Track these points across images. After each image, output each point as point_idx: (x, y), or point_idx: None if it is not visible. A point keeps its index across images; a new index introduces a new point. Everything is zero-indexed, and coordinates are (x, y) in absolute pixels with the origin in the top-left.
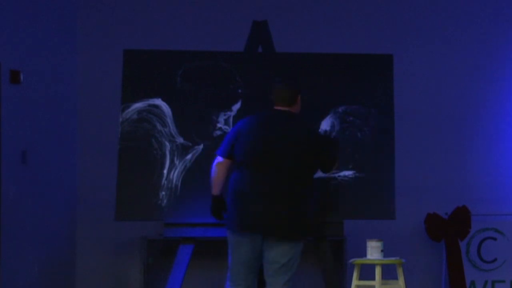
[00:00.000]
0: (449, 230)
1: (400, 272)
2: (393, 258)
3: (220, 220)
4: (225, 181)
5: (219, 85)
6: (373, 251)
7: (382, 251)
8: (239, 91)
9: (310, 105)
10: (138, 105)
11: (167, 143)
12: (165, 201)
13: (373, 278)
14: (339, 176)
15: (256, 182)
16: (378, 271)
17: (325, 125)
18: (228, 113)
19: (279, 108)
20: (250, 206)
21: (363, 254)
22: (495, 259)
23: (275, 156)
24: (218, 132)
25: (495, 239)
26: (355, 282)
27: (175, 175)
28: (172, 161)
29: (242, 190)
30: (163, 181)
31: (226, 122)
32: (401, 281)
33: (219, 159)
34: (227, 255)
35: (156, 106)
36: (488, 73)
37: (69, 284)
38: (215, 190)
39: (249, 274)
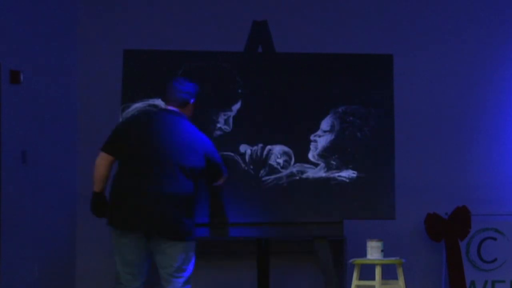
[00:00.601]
0: (449, 230)
1: (400, 272)
2: (393, 258)
3: (99, 217)
4: (108, 177)
5: (219, 85)
6: (373, 251)
7: (382, 251)
8: (239, 91)
9: (310, 105)
10: (138, 105)
11: None
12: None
13: (373, 278)
14: (339, 176)
15: (138, 180)
16: (378, 271)
17: (325, 125)
18: (228, 113)
19: (169, 107)
20: (133, 203)
21: (363, 254)
22: (495, 259)
23: (159, 155)
24: (218, 132)
25: (495, 239)
26: (355, 282)
27: None
28: None
29: (126, 187)
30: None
31: (226, 122)
32: (401, 281)
33: (102, 154)
34: (227, 255)
35: (156, 106)
36: (488, 73)
37: (69, 284)
38: (97, 187)
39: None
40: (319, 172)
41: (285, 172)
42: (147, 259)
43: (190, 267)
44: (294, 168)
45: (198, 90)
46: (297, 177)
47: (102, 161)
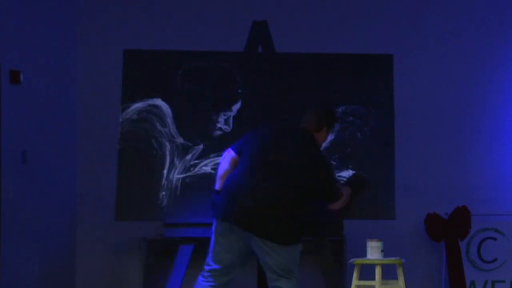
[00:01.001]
0: (449, 230)
1: (400, 272)
2: (393, 258)
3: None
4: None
5: (219, 85)
6: (373, 251)
7: (382, 251)
8: (239, 91)
9: (310, 105)
10: (138, 105)
11: (167, 143)
12: (165, 201)
13: (373, 278)
14: (339, 176)
15: (252, 182)
16: (378, 271)
17: None
18: (228, 113)
19: (305, 126)
20: (241, 202)
21: (363, 254)
22: (495, 259)
23: (276, 162)
24: (218, 132)
25: (495, 239)
26: (355, 282)
27: (175, 175)
28: (172, 161)
29: (237, 185)
30: (163, 181)
31: (226, 122)
32: (401, 281)
33: (230, 152)
34: None
35: (156, 106)
36: (488, 73)
37: (69, 284)
38: (219, 184)
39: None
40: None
41: None
42: (240, 260)
43: (295, 269)
44: None
45: (335, 120)
46: None
47: (228, 157)
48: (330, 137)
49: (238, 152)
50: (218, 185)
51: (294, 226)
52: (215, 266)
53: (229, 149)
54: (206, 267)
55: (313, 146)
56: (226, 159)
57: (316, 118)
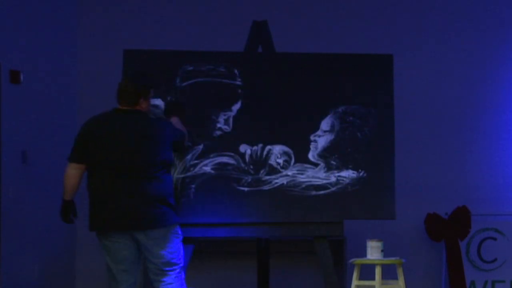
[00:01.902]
0: (449, 230)
1: (400, 272)
2: (393, 258)
3: (70, 224)
4: (78, 186)
5: (219, 85)
6: (373, 251)
7: (382, 251)
8: (239, 91)
9: (310, 105)
10: None
11: None
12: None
13: (373, 278)
14: (339, 176)
15: (112, 183)
16: (378, 271)
17: (325, 125)
18: (228, 113)
19: (122, 107)
20: (111, 206)
21: (363, 254)
22: (495, 259)
23: (124, 156)
24: (218, 132)
25: (495, 239)
26: (355, 282)
27: (175, 175)
28: None
29: (103, 193)
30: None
31: (226, 122)
32: (401, 281)
33: (72, 165)
34: (227, 255)
35: (156, 106)
36: (488, 73)
37: (69, 284)
38: (68, 195)
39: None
40: (319, 172)
41: (285, 172)
42: (138, 257)
43: (180, 255)
44: (294, 168)
45: (150, 86)
46: (297, 177)
47: (73, 171)
48: (330, 136)
49: (80, 161)
50: (67, 196)
51: (166, 208)
52: (120, 267)
53: (71, 163)
54: (113, 276)
55: (143, 120)
56: (72, 172)
57: (132, 89)
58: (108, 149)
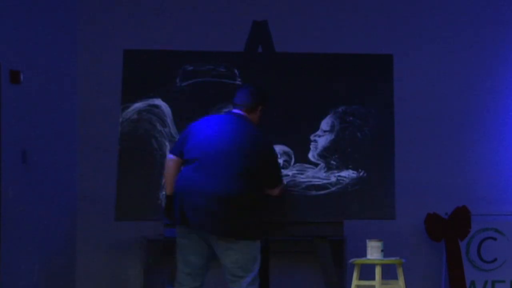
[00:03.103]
0: (449, 230)
1: (400, 272)
2: (393, 258)
3: (171, 221)
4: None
5: (219, 85)
6: (373, 251)
7: (382, 251)
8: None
9: (310, 105)
10: (138, 105)
11: (167, 143)
12: (165, 201)
13: (373, 278)
14: (339, 176)
15: (199, 180)
16: (378, 271)
17: (325, 125)
18: None
19: (235, 111)
20: (192, 202)
21: (363, 254)
22: (495, 259)
23: (215, 155)
24: None
25: (495, 239)
26: (355, 282)
27: None
28: None
29: (185, 186)
30: (163, 181)
31: None
32: (401, 281)
33: (170, 156)
34: None
35: (156, 106)
36: (488, 73)
37: (69, 284)
38: (168, 189)
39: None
40: (319, 172)
41: (285, 172)
42: (208, 262)
43: (254, 268)
44: (294, 168)
45: (267, 99)
46: (297, 177)
47: (170, 162)
48: (330, 136)
49: (178, 154)
50: (168, 190)
51: (249, 221)
52: (185, 270)
53: (169, 155)
54: (177, 276)
55: (250, 129)
56: (169, 164)
57: (250, 97)
58: (200, 145)
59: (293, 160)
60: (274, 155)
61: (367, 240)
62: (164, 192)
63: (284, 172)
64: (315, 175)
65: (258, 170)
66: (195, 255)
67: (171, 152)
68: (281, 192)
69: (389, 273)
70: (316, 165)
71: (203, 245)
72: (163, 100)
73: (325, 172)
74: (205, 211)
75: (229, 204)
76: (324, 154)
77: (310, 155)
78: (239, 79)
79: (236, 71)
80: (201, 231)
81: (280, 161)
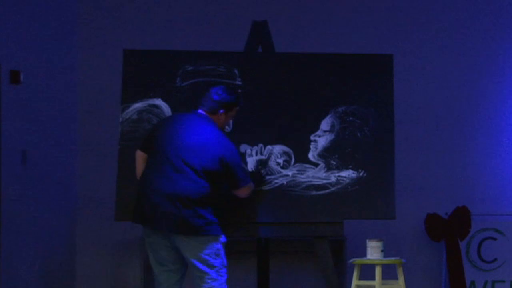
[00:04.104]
0: (449, 230)
1: (400, 272)
2: (393, 258)
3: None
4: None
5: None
6: (373, 251)
7: (382, 251)
8: (239, 91)
9: (310, 105)
10: (138, 105)
11: None
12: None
13: (373, 278)
14: (339, 176)
15: (154, 178)
16: (378, 271)
17: (325, 125)
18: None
19: (199, 111)
20: (147, 201)
21: (363, 254)
22: (495, 259)
23: (172, 153)
24: None
25: (495, 239)
26: (355, 282)
27: None
28: None
29: (143, 185)
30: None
31: None
32: (401, 281)
33: (138, 152)
34: (226, 255)
35: (156, 106)
36: (488, 73)
37: (69, 284)
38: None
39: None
40: (319, 172)
41: (285, 172)
42: (180, 256)
43: (217, 264)
44: (294, 168)
45: (234, 103)
46: (297, 177)
47: (137, 157)
48: (330, 136)
49: (143, 150)
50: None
51: (205, 216)
52: (160, 268)
53: (137, 150)
54: (155, 277)
55: (208, 129)
56: (137, 160)
57: (211, 100)
58: (159, 143)
59: (293, 160)
60: (234, 158)
61: (367, 240)
62: None
63: (284, 172)
64: (315, 175)
65: (215, 171)
66: (166, 250)
67: (140, 148)
68: (249, 193)
69: (389, 273)
70: (316, 165)
71: (168, 241)
72: (163, 100)
73: (325, 172)
74: (161, 209)
75: (182, 201)
76: (324, 154)
77: (310, 155)
78: (239, 79)
79: (236, 71)
80: (160, 230)
81: (280, 161)
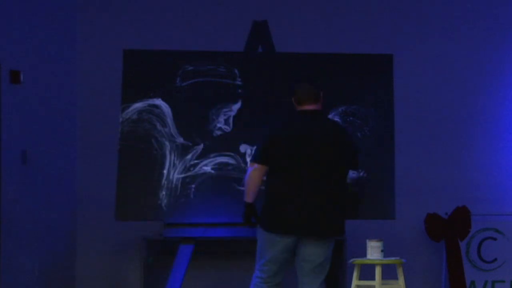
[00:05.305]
0: (449, 230)
1: (400, 272)
2: (393, 258)
3: (250, 226)
4: (259, 188)
5: (219, 85)
6: (373, 251)
7: (382, 251)
8: (239, 91)
9: None
10: (138, 105)
11: (167, 143)
12: (165, 201)
13: (373, 278)
14: None
15: (294, 185)
16: (378, 271)
17: None
18: (228, 113)
19: (307, 107)
20: (289, 208)
21: (363, 254)
22: (495, 259)
23: (310, 157)
24: (218, 132)
25: (495, 239)
26: (355, 282)
27: (175, 175)
28: (172, 161)
29: (281, 193)
30: (163, 181)
31: (226, 122)
32: (401, 281)
33: (255, 166)
34: (227, 255)
35: (156, 106)
36: (488, 73)
37: (69, 284)
38: (250, 197)
39: (280, 272)
40: None
41: None
42: (292, 257)
43: (328, 267)
44: None
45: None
46: None
47: (257, 172)
48: None
49: (264, 163)
50: (249, 198)
51: (343, 215)
52: (273, 268)
53: (254, 164)
54: (261, 271)
55: (330, 122)
56: (255, 174)
57: (314, 90)
58: (291, 151)
59: None
60: (350, 138)
61: (367, 240)
62: (247, 200)
63: None
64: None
65: (346, 161)
66: (286, 253)
67: (256, 161)
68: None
69: (389, 273)
70: None
71: (293, 245)
72: (163, 100)
73: None
74: (305, 217)
75: (329, 206)
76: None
77: None
78: (239, 79)
79: (236, 71)
80: (297, 234)
81: None
